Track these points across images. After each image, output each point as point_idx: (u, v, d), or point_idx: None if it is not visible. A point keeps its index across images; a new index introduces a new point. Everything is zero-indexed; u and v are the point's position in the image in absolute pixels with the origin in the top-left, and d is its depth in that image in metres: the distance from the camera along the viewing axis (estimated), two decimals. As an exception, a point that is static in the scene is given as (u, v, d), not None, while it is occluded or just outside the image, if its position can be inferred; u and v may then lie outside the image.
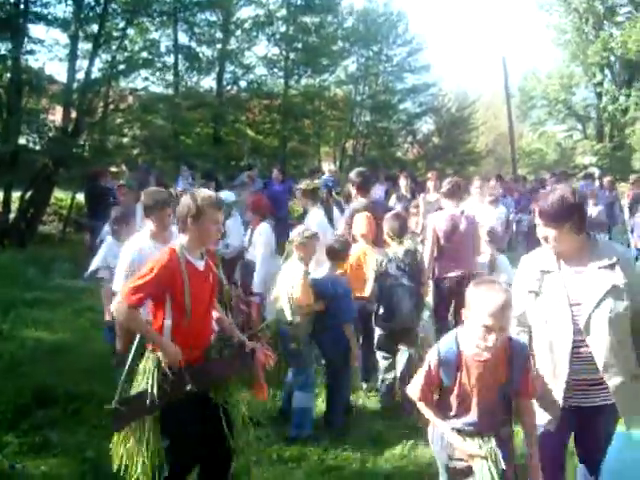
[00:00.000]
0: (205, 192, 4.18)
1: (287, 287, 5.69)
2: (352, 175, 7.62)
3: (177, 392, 3.89)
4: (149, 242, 5.29)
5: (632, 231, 12.50)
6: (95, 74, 17.18)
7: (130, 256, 5.27)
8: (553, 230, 3.44)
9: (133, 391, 3.95)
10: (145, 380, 3.90)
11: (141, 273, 3.93)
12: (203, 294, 4.08)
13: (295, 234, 5.84)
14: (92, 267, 6.48)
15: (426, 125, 32.60)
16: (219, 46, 23.35)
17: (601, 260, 3.46)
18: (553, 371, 3.53)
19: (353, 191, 7.61)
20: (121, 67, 18.24)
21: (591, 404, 3.52)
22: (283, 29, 25.42)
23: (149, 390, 3.83)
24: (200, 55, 22.89)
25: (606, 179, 16.21)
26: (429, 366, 3.48)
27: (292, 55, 25.60)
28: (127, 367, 4.01)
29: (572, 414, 3.54)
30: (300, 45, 25.60)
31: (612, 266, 3.42)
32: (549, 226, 3.46)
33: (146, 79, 21.17)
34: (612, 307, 3.36)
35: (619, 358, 3.40)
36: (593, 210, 12.60)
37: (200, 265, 4.10)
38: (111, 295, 5.45)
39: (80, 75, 16.80)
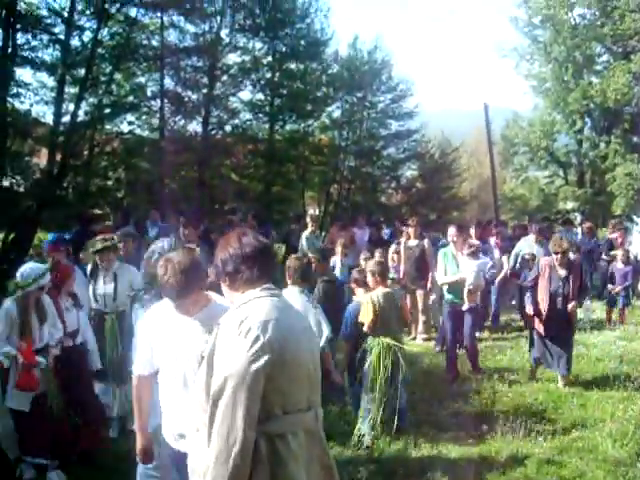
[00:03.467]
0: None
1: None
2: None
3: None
4: None
5: (610, 277, 12.63)
6: (81, 117, 17.32)
7: None
8: None
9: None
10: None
11: None
12: None
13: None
14: None
15: (410, 171, 32.82)
16: (205, 91, 23.55)
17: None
18: None
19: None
20: (107, 111, 18.40)
21: None
22: (268, 75, 25.74)
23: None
24: (186, 99, 23.07)
25: (585, 225, 16.40)
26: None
27: (277, 101, 25.88)
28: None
29: None
30: (285, 91, 25.91)
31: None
32: None
33: (131, 123, 21.31)
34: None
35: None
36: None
37: None
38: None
39: (66, 118, 16.93)
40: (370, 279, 6.76)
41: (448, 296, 8.79)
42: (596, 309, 13.43)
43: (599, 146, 29.07)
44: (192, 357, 3.72)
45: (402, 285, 11.41)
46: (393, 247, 12.10)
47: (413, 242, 11.27)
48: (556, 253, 8.10)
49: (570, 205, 30.11)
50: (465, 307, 8.63)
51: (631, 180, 26.54)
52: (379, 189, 30.56)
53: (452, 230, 8.91)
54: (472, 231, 11.40)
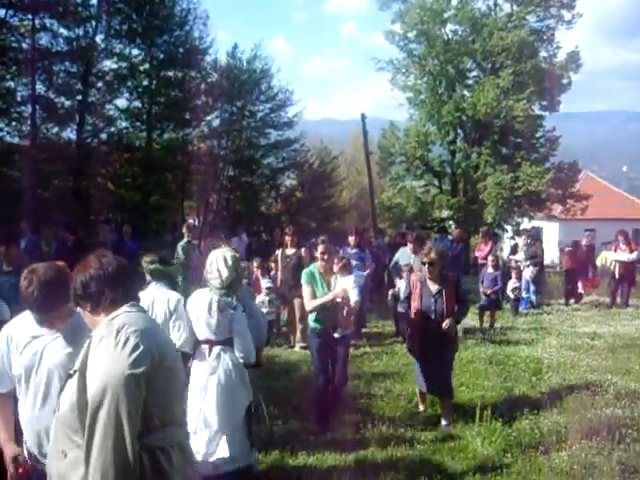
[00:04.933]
0: None
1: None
2: None
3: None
4: None
5: (482, 281, 13.11)
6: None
7: None
8: None
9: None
10: None
11: None
12: None
13: None
14: None
15: (289, 180, 32.96)
16: (79, 97, 22.92)
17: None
18: None
19: None
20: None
21: None
22: (146, 82, 25.35)
23: None
24: (59, 106, 22.36)
25: (453, 233, 17.01)
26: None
27: (155, 108, 25.50)
28: None
29: None
30: (163, 99, 25.58)
31: None
32: None
33: (0, 129, 20.46)
34: None
35: None
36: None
37: None
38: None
39: None
40: None
41: (315, 324, 7.04)
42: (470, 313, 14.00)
43: (471, 157, 30.29)
44: (54, 372, 3.59)
45: (279, 293, 11.46)
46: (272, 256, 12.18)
47: (290, 251, 11.32)
48: (423, 264, 7.17)
49: (445, 213, 31.07)
50: (339, 334, 6.97)
51: (501, 189, 27.76)
52: (259, 198, 30.53)
53: (321, 248, 7.14)
54: (350, 239, 11.53)
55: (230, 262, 5.43)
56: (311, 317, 7.10)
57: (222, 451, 5.35)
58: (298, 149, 31.48)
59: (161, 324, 5.23)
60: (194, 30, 26.44)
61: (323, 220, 31.49)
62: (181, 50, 25.76)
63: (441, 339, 6.95)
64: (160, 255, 6.29)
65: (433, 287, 7.07)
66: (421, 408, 7.53)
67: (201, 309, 5.44)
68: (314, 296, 6.97)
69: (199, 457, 5.19)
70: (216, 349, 5.42)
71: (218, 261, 5.45)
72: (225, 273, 5.38)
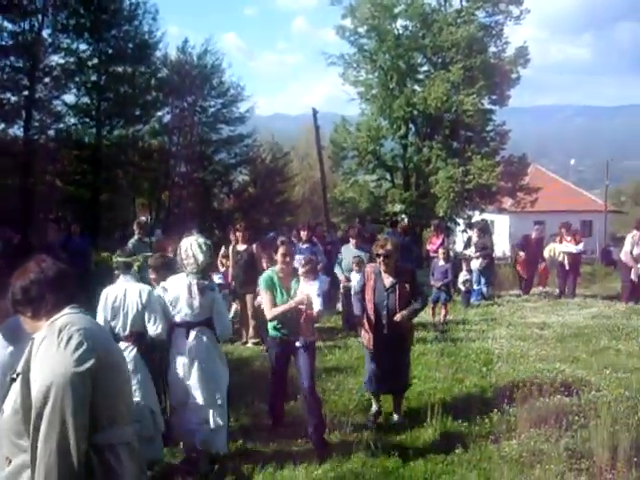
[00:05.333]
0: None
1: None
2: None
3: None
4: None
5: (433, 274, 13.24)
6: None
7: None
8: None
9: None
10: None
11: None
12: None
13: None
14: None
15: (242, 176, 32.90)
16: (26, 93, 22.50)
17: None
18: None
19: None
20: None
21: None
22: (94, 78, 25.02)
23: None
24: (4, 101, 21.92)
25: (400, 225, 17.23)
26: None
27: (104, 104, 25.19)
28: None
29: None
30: (112, 95, 25.27)
31: None
32: None
33: (-57, 126, 20.01)
34: None
35: None
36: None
37: None
38: None
39: None
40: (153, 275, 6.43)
41: (275, 332, 6.61)
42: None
43: (422, 151, 30.48)
44: None
45: (231, 290, 11.41)
46: (222, 251, 12.12)
47: (242, 247, 11.26)
48: (378, 255, 6.82)
49: (398, 207, 31.20)
50: (300, 343, 6.44)
51: (452, 183, 28.01)
52: (211, 194, 30.39)
53: (282, 249, 6.59)
54: (302, 234, 11.54)
55: (204, 248, 5.75)
56: (270, 325, 6.67)
57: (207, 427, 5.73)
58: (250, 145, 31.49)
59: (134, 316, 5.68)
60: (143, 25, 26.33)
61: (276, 215, 31.53)
62: (130, 45, 25.55)
63: (395, 334, 6.71)
64: (127, 250, 6.65)
65: (387, 280, 6.82)
66: (374, 408, 7.19)
67: (181, 292, 5.74)
68: (274, 303, 6.47)
69: (188, 433, 5.79)
70: (194, 330, 5.72)
71: (193, 247, 5.74)
72: (200, 258, 5.70)
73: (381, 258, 6.83)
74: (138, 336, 5.73)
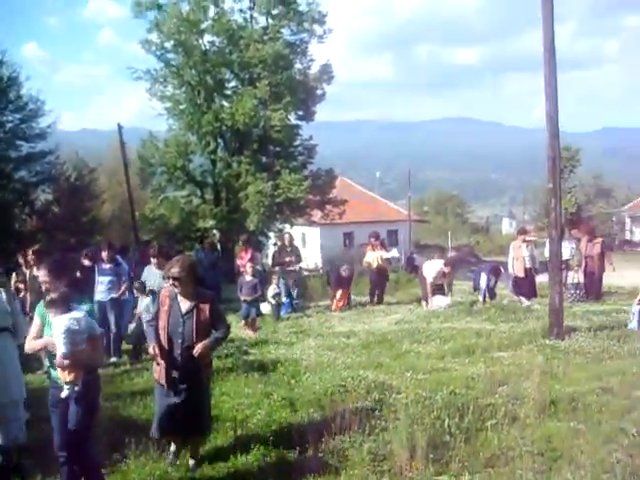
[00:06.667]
0: None
1: None
2: None
3: None
4: None
5: (241, 289, 13.39)
6: None
7: None
8: None
9: None
10: None
11: None
12: None
13: None
14: None
15: (44, 194, 31.42)
16: None
17: None
18: None
19: None
20: None
21: None
22: None
23: None
24: None
25: (207, 241, 17.54)
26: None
27: None
28: None
29: None
30: None
31: None
32: None
33: None
34: None
35: None
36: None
37: None
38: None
39: None
40: None
41: (53, 372, 5.38)
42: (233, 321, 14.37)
43: (232, 166, 30.56)
44: None
45: (29, 317, 10.83)
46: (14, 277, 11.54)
47: (39, 272, 10.69)
48: (169, 278, 6.13)
49: (209, 223, 31.05)
50: (66, 393, 5.18)
51: (262, 197, 28.31)
52: (11, 215, 28.76)
53: (43, 274, 5.66)
54: (104, 254, 11.13)
55: None
56: (46, 362, 5.74)
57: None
58: (53, 162, 30.15)
59: None
60: None
61: (84, 235, 30.39)
62: None
63: (192, 366, 6.01)
64: None
65: (184, 305, 6.09)
66: (172, 448, 6.42)
67: None
68: (39, 334, 5.42)
69: None
70: None
71: None
72: None
73: (171, 281, 6.11)
74: None
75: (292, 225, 32.68)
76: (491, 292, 15.79)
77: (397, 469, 5.68)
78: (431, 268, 15.57)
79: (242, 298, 13.25)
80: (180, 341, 6.01)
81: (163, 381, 6.09)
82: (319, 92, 31.59)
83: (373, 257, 16.77)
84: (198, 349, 5.91)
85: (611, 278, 17.53)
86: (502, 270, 16.55)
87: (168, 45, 30.79)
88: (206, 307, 6.10)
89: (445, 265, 15.59)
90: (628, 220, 60.31)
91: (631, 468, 5.29)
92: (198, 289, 6.24)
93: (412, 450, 5.83)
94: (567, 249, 15.48)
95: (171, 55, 31.19)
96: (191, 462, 6.25)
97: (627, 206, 61.66)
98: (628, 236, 57.72)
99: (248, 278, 13.34)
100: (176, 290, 6.11)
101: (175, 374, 6.04)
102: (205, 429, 6.37)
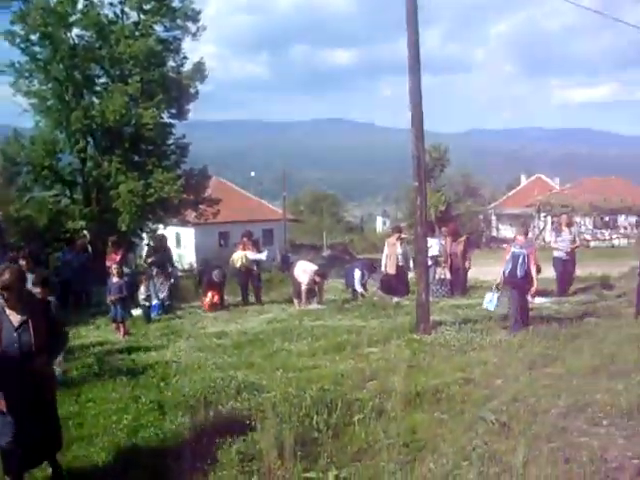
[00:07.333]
0: None
1: None
2: None
3: None
4: None
5: (109, 291, 13.17)
6: None
7: None
8: None
9: None
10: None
11: None
12: None
13: None
14: None
15: None
16: None
17: None
18: None
19: None
20: None
21: None
22: None
23: None
24: None
25: (78, 242, 17.33)
26: None
27: None
28: None
29: None
30: None
31: None
32: None
33: None
34: None
35: None
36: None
37: None
38: None
39: None
40: None
41: None
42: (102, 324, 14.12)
43: (102, 165, 29.68)
44: None
45: None
46: None
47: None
48: None
49: (79, 224, 30.08)
50: None
51: (133, 197, 27.75)
52: None
53: None
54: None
55: None
56: None
57: None
58: None
59: None
60: None
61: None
62: None
63: (33, 382, 5.46)
64: None
65: (15, 318, 5.48)
66: None
67: None
68: None
69: None
70: None
71: None
72: None
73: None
74: None
75: (166, 225, 32.20)
76: (364, 287, 16.29)
77: (266, 469, 5.68)
78: (304, 272, 15.76)
79: (109, 299, 13.06)
80: (19, 356, 5.42)
81: (3, 408, 5.42)
82: (192, 90, 31.24)
83: (238, 257, 16.78)
84: (38, 365, 5.46)
85: (478, 273, 18.27)
86: (376, 267, 16.98)
87: (34, 37, 29.43)
88: (40, 318, 5.61)
89: (317, 275, 15.78)
90: (494, 218, 62.95)
91: (489, 454, 5.51)
92: (29, 298, 5.77)
93: (281, 448, 5.85)
94: (436, 246, 16.05)
95: (37, 48, 29.83)
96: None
97: (493, 204, 64.45)
98: (495, 233, 60.19)
99: (115, 279, 13.11)
100: (2, 302, 5.52)
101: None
102: (59, 446, 5.95)
